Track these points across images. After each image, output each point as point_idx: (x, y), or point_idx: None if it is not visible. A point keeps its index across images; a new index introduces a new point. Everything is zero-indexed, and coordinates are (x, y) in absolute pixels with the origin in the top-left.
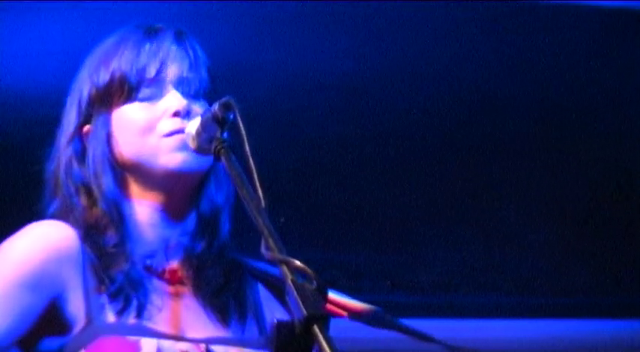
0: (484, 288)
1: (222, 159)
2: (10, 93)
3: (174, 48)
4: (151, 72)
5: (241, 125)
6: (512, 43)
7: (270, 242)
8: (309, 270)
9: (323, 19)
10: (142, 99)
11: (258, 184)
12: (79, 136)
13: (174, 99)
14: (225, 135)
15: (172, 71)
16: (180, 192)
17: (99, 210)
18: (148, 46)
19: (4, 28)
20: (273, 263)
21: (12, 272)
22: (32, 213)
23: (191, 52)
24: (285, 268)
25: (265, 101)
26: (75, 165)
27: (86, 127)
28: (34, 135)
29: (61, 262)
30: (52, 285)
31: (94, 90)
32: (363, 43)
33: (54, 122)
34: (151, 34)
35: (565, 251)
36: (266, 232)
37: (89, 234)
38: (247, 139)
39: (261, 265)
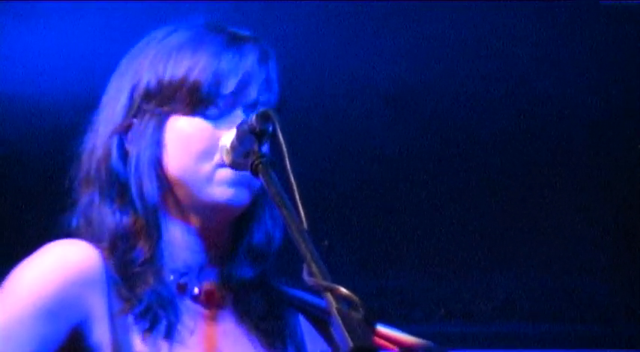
0: (546, 317)
1: (260, 175)
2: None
3: (256, 67)
4: (229, 87)
5: (281, 138)
6: (587, 47)
7: (313, 267)
8: (355, 298)
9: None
10: (208, 117)
11: (299, 203)
12: (125, 129)
13: None
14: (263, 148)
15: (248, 93)
16: (224, 221)
17: (132, 216)
18: (230, 57)
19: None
20: (316, 290)
21: (28, 300)
22: (51, 223)
23: (273, 75)
24: (329, 296)
25: (308, 111)
26: (114, 158)
27: (133, 121)
28: (55, 145)
29: (82, 286)
30: (73, 312)
31: (155, 84)
32: (418, 48)
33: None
34: (235, 43)
35: (635, 276)
36: (309, 256)
37: (116, 246)
38: (288, 154)
39: (303, 294)
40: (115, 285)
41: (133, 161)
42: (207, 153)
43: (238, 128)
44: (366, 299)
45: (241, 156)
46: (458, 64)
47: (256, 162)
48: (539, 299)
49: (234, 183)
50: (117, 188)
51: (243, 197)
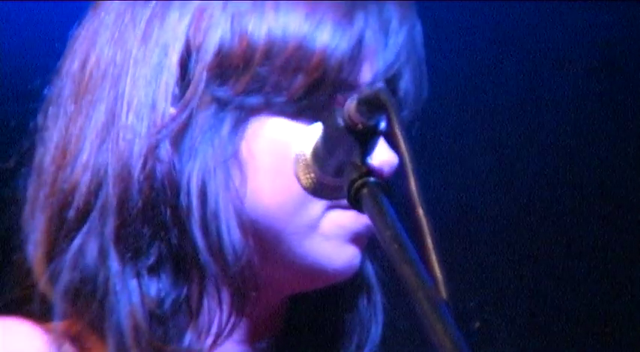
0: None
1: (366, 207)
2: None
3: (408, 39)
4: (371, 69)
5: (403, 140)
6: None
7: None
8: None
9: None
10: None
11: (433, 254)
12: (179, 129)
13: (383, 151)
14: (369, 160)
15: (398, 80)
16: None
17: (185, 288)
18: (376, 18)
19: None
20: None
21: None
22: None
23: (424, 70)
24: None
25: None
26: (159, 179)
27: (192, 114)
28: None
29: None
30: None
31: (239, 48)
32: None
33: None
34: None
35: None
36: (448, 344)
37: (138, 337)
38: (414, 168)
39: None
40: None
41: (195, 189)
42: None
43: (325, 124)
44: None
45: (331, 172)
46: None
47: (358, 184)
48: None
49: (355, 236)
50: (161, 229)
51: (360, 257)
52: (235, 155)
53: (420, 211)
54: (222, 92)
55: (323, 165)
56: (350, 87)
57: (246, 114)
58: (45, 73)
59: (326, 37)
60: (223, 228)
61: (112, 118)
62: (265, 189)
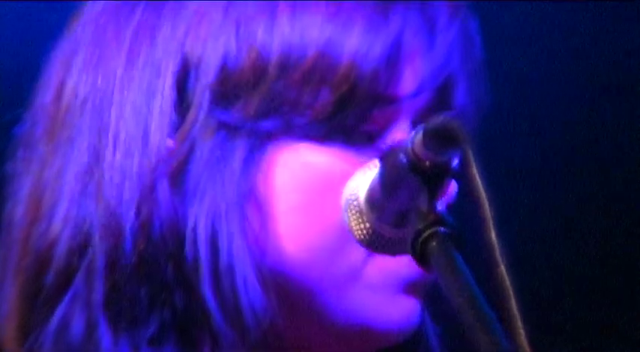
0: None
1: (434, 264)
2: None
3: (460, 42)
4: (410, 81)
5: (480, 184)
6: None
7: None
8: None
9: None
10: (359, 146)
11: (517, 322)
12: (179, 163)
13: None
14: (441, 206)
15: (448, 93)
16: None
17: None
18: (415, 22)
19: None
20: None
21: None
22: None
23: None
24: None
25: None
26: (157, 228)
27: (193, 143)
28: None
29: None
30: None
31: (248, 63)
32: None
33: None
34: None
35: None
36: None
37: None
38: (494, 218)
39: None
40: None
41: (203, 238)
42: None
43: (383, 161)
44: None
45: (390, 220)
46: None
47: (425, 236)
48: None
49: (408, 284)
50: (162, 301)
51: (418, 311)
52: (251, 192)
53: (502, 271)
54: (230, 116)
55: (380, 212)
56: (388, 100)
57: (261, 141)
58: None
59: (355, 40)
60: (240, 284)
61: (95, 157)
62: (291, 232)
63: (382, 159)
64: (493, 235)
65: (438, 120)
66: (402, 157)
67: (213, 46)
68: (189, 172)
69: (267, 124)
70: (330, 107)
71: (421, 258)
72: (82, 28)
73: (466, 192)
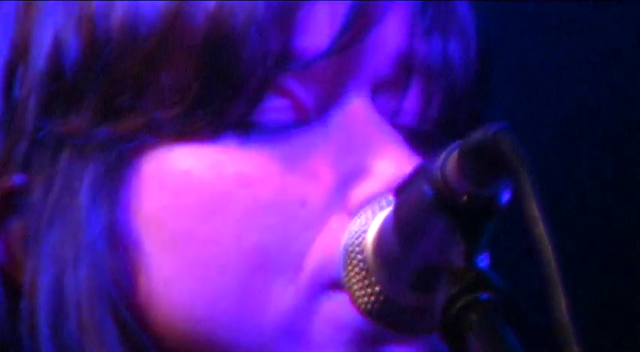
0: None
1: (473, 343)
2: None
3: None
4: (318, 37)
5: (542, 226)
6: None
7: None
8: None
9: None
10: (270, 138)
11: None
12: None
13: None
14: (483, 261)
15: (374, 54)
16: None
17: None
18: None
19: None
20: None
21: None
22: None
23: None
24: None
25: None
26: None
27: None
28: None
29: None
30: None
31: (83, 48)
32: None
33: None
34: None
35: None
36: None
37: None
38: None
39: None
40: None
41: (44, 296)
42: (283, 249)
43: (400, 194)
44: None
45: (408, 280)
46: None
47: (461, 304)
48: None
49: (374, 338)
50: None
51: None
52: (111, 228)
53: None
54: (67, 124)
55: (395, 269)
56: (295, 61)
57: (120, 154)
58: None
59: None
60: (84, 301)
61: None
62: (178, 277)
63: (397, 193)
64: (563, 306)
65: (480, 134)
66: (427, 189)
67: (42, 30)
68: (17, 211)
69: (123, 128)
70: (199, 90)
71: (453, 333)
72: None
73: (519, 235)
